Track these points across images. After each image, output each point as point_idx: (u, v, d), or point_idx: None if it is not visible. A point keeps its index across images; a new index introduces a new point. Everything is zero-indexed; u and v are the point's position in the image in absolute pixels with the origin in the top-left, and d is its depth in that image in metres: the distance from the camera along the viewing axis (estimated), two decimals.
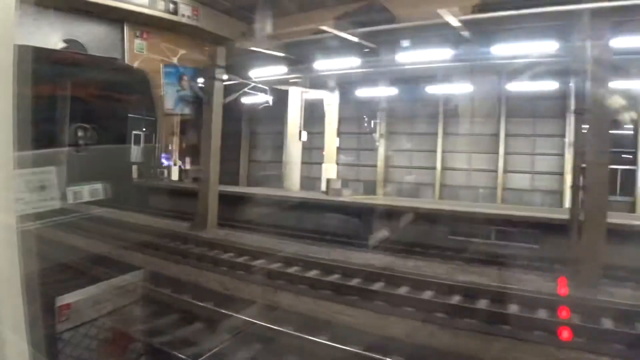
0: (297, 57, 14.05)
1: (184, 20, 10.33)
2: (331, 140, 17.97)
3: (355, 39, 11.62)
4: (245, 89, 15.68)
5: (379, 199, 15.47)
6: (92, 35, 9.97)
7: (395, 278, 8.15)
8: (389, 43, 12.48)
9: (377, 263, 9.14)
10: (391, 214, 12.51)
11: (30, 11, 7.26)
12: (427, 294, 7.49)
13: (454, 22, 9.96)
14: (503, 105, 15.83)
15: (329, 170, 17.73)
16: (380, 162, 18.19)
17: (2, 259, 1.43)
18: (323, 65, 14.52)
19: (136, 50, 10.77)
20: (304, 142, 17.96)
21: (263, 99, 17.16)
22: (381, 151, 18.11)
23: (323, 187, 16.96)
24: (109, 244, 9.53)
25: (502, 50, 11.55)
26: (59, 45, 9.26)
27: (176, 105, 13.42)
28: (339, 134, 18.40)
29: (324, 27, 10.81)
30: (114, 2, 9.17)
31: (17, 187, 1.68)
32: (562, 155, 14.96)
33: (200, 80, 13.69)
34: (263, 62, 14.54)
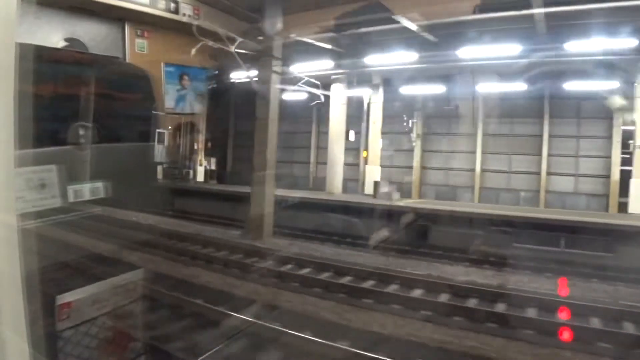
0: (347, 50, 13.44)
1: (185, 19, 10.34)
2: (375, 141, 16.67)
3: (415, 29, 11.25)
4: (299, 84, 14.58)
5: (438, 204, 14.00)
6: (93, 34, 9.99)
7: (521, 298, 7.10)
8: (451, 37, 11.93)
9: (479, 280, 8.17)
10: (448, 219, 11.60)
11: (32, 10, 7.27)
12: (532, 313, 6.67)
13: (538, 16, 9.39)
14: (547, 105, 15.29)
15: (373, 173, 16.49)
16: (416, 164, 17.58)
17: (4, 257, 1.43)
18: (373, 60, 13.79)
19: (137, 49, 10.78)
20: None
21: (314, 95, 15.70)
22: (417, 152, 17.55)
23: (367, 190, 15.87)
24: (164, 257, 9.03)
25: (571, 47, 10.91)
26: (60, 44, 9.29)
27: (177, 105, 13.38)
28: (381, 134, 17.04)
29: (396, 17, 10.29)
30: (115, 1, 9.17)
31: (17, 186, 1.68)
32: (608, 157, 14.38)
33: (256, 73, 12.64)
34: (309, 56, 13.94)
